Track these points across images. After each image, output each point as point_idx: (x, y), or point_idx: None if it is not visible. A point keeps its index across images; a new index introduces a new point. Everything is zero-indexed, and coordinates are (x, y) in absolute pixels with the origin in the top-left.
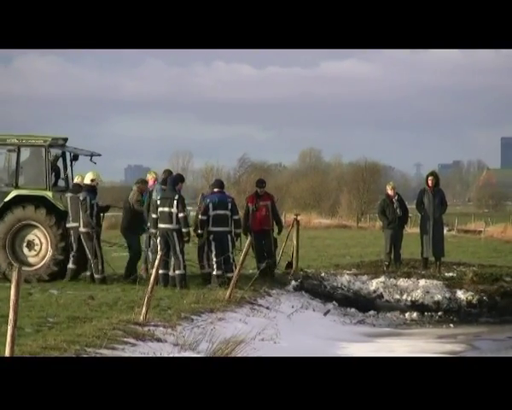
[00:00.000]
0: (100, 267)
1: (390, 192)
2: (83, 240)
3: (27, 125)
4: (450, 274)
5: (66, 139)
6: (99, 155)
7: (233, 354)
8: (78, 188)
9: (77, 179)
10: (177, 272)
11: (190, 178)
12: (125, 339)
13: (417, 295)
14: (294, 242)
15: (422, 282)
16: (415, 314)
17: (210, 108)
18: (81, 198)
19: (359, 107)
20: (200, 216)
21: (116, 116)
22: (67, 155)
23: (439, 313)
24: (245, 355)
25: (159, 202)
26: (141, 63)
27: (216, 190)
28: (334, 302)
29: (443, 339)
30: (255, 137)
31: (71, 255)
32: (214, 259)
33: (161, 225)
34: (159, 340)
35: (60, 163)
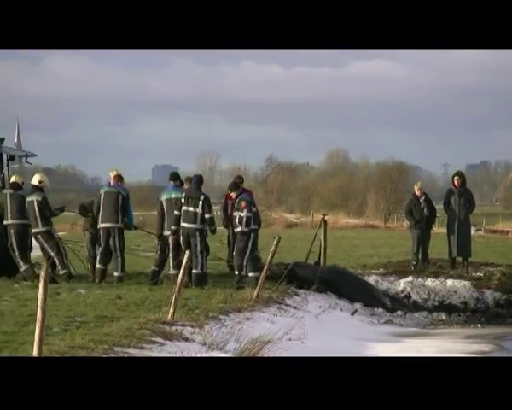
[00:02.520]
0: (65, 262)
1: (417, 192)
2: (42, 239)
3: (53, 124)
4: (478, 274)
5: (2, 140)
6: (34, 155)
7: (260, 354)
8: (17, 187)
9: (15, 179)
10: (194, 271)
11: (218, 177)
12: (153, 338)
13: (445, 295)
14: (322, 241)
15: (450, 282)
16: (442, 314)
17: (238, 108)
18: (39, 198)
19: (387, 107)
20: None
21: (143, 116)
22: (4, 155)
23: (467, 313)
24: (272, 355)
25: (183, 201)
26: (168, 63)
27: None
28: (361, 302)
29: (470, 339)
30: (282, 137)
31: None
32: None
33: (184, 224)
34: (186, 339)
35: None
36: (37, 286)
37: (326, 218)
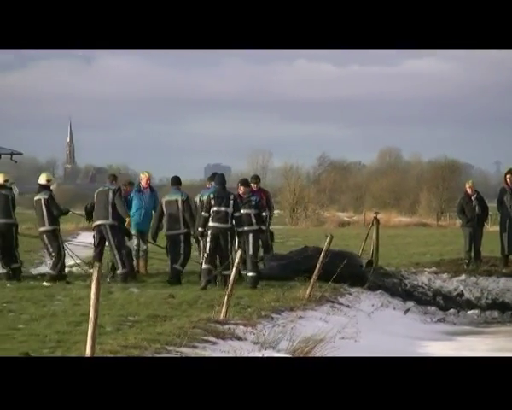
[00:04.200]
0: (58, 266)
1: (469, 190)
2: (46, 238)
3: (105, 124)
4: None
5: None
6: (20, 153)
7: (313, 353)
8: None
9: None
10: (225, 272)
11: (270, 176)
12: (206, 337)
13: (498, 293)
14: (374, 240)
15: (503, 280)
16: (495, 313)
17: (290, 107)
18: (46, 197)
19: (439, 105)
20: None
21: (196, 115)
22: None
23: None
24: (325, 354)
25: (213, 202)
26: (220, 62)
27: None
28: (414, 301)
29: None
30: (335, 136)
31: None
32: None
33: (215, 224)
34: (239, 338)
35: None
36: (90, 286)
37: (378, 216)
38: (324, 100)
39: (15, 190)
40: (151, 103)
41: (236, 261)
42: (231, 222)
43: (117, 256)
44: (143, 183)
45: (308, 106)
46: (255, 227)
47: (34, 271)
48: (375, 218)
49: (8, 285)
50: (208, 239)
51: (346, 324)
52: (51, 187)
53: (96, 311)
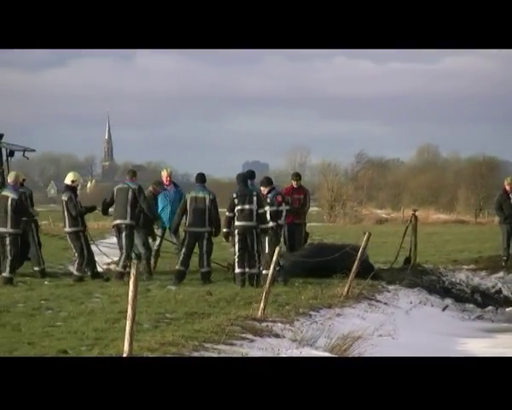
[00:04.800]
0: (82, 266)
1: (507, 187)
2: (69, 239)
3: (145, 121)
4: None
5: (1, 136)
6: (33, 150)
7: (351, 350)
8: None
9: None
10: (251, 270)
11: (308, 173)
12: (244, 335)
13: None
14: (412, 237)
15: None
16: None
17: (329, 104)
18: (66, 198)
19: (477, 102)
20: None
21: (235, 112)
22: (3, 151)
23: None
24: (363, 351)
25: (236, 201)
26: (260, 60)
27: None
28: (452, 298)
29: None
30: (373, 133)
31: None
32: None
33: (241, 223)
34: (277, 336)
35: None
36: (128, 283)
37: (416, 213)
38: (363, 97)
39: (54, 189)
40: (190, 101)
41: (274, 258)
42: (256, 220)
43: (123, 256)
44: (164, 180)
45: (346, 103)
46: (271, 224)
47: (72, 268)
48: (413, 215)
49: (46, 283)
50: (236, 240)
51: (384, 321)
52: (78, 187)
53: (134, 308)
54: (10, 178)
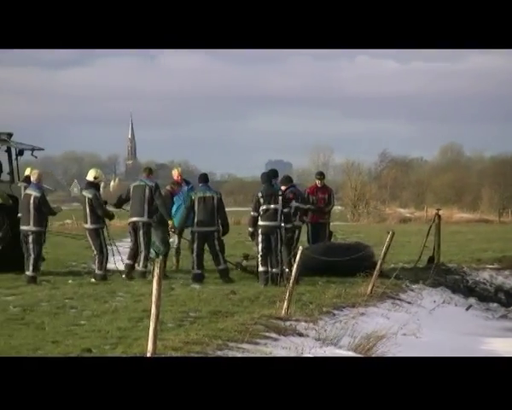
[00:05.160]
0: (104, 264)
1: None
2: (89, 236)
3: (168, 121)
4: None
5: (10, 134)
6: (41, 149)
7: (374, 349)
8: (30, 180)
9: (29, 173)
10: (274, 270)
11: (331, 172)
12: (267, 334)
13: None
14: (436, 236)
15: None
16: None
17: (352, 103)
18: (91, 196)
19: (502, 100)
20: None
21: (258, 111)
22: (13, 150)
23: None
24: (386, 350)
25: (261, 200)
26: (283, 59)
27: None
28: (475, 297)
29: None
30: (396, 132)
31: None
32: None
33: (265, 223)
34: (300, 335)
35: (4, 157)
36: (152, 282)
37: (440, 213)
38: (386, 96)
39: (77, 187)
40: (214, 100)
41: (298, 258)
42: (281, 219)
43: (142, 254)
44: (175, 179)
45: (370, 102)
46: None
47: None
48: (437, 214)
49: (70, 281)
50: (259, 239)
51: (408, 320)
52: (100, 184)
53: (158, 307)
54: (33, 177)
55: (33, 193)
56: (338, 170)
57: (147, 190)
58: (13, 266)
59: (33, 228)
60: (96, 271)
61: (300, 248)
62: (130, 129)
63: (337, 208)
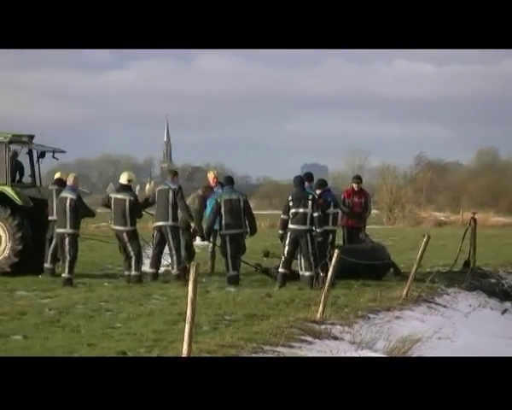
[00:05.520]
0: (140, 265)
1: None
2: (126, 237)
3: (204, 123)
4: None
5: (32, 136)
6: (62, 151)
7: (410, 353)
8: (62, 183)
9: (59, 175)
10: (306, 273)
11: (367, 176)
12: (302, 337)
13: None
14: (472, 240)
15: None
16: None
17: (388, 106)
18: (132, 198)
19: None
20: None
21: (293, 114)
22: (34, 152)
23: None
24: (422, 354)
25: (291, 203)
26: (319, 61)
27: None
28: (511, 301)
29: None
30: (433, 135)
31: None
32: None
33: (294, 226)
34: (335, 338)
35: (26, 160)
36: (187, 285)
37: (476, 216)
38: (422, 99)
39: (111, 188)
40: (249, 103)
41: (333, 261)
42: (311, 223)
43: (174, 257)
44: (211, 182)
45: (406, 105)
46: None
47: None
48: (473, 218)
49: (105, 284)
50: (286, 242)
51: (443, 324)
52: (136, 187)
53: (193, 310)
54: (69, 180)
55: (69, 195)
56: (374, 173)
57: (170, 194)
58: (31, 267)
59: (69, 230)
60: (134, 272)
61: (336, 251)
62: (166, 132)
63: (373, 212)
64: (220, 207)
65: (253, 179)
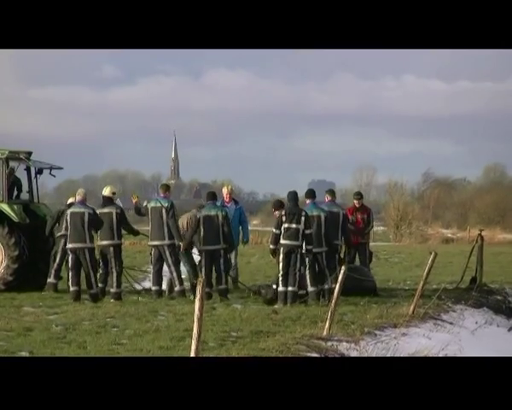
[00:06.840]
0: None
1: None
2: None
3: (212, 139)
4: None
5: (29, 153)
6: (60, 168)
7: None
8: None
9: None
10: (290, 288)
11: (374, 193)
12: (309, 354)
13: None
14: (478, 257)
15: None
16: None
17: (396, 122)
18: (118, 211)
19: None
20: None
21: (301, 130)
22: (32, 169)
23: None
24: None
25: (284, 218)
26: (329, 77)
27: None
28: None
29: None
30: (440, 152)
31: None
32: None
33: (286, 242)
34: (342, 355)
35: (24, 176)
36: (193, 301)
37: (483, 233)
38: (430, 115)
39: (120, 205)
40: (257, 119)
41: (340, 278)
42: (303, 239)
43: (174, 274)
44: (224, 197)
45: (413, 122)
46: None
47: (138, 286)
48: (480, 235)
49: (111, 300)
50: (280, 258)
51: (450, 341)
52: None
53: (200, 326)
54: (78, 196)
55: (85, 210)
56: (381, 190)
57: (163, 212)
58: (29, 284)
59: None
60: (115, 289)
61: (343, 267)
62: (174, 148)
63: (379, 228)
64: (199, 223)
65: (260, 196)
